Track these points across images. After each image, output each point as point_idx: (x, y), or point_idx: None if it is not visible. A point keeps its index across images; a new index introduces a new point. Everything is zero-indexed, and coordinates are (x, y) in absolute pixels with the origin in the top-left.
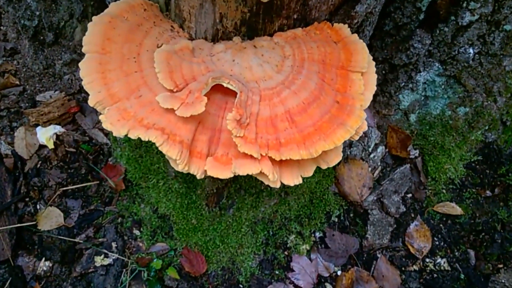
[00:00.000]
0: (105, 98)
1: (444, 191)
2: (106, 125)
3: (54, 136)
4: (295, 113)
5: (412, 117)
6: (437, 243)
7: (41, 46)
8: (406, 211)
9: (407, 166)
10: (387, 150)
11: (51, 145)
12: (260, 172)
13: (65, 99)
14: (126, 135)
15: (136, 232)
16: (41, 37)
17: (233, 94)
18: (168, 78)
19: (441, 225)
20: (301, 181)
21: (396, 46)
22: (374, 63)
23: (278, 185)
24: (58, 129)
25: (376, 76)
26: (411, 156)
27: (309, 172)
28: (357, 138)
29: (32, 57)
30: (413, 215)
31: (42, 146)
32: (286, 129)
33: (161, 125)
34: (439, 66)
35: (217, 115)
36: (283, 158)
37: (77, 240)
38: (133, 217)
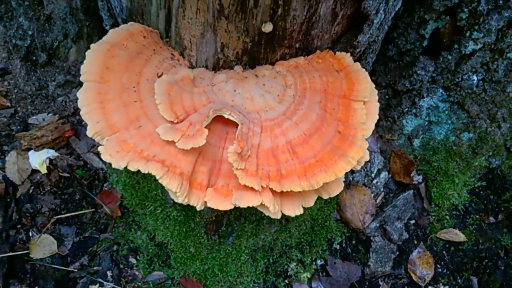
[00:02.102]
0: (104, 129)
1: (447, 217)
2: (105, 157)
3: (47, 161)
4: (296, 144)
5: (416, 142)
6: (440, 270)
7: (34, 66)
8: (409, 238)
9: (410, 192)
10: (390, 175)
11: (44, 170)
12: (261, 204)
13: (59, 123)
14: (125, 167)
15: (132, 260)
16: (34, 57)
17: (234, 124)
18: (169, 109)
19: (444, 252)
20: (302, 212)
21: (399, 71)
22: (376, 91)
23: (279, 216)
24: (51, 153)
25: (378, 105)
26: (414, 182)
27: (311, 202)
28: (359, 168)
29: (24, 78)
30: (416, 242)
31: (35, 171)
32: (287, 160)
33: (161, 157)
34: (443, 92)
35: (217, 146)
36: (284, 190)
37: (71, 268)
38: (129, 245)
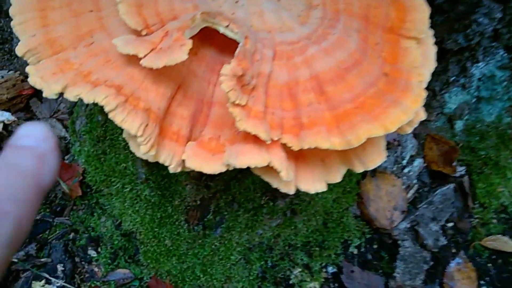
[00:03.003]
0: (42, 45)
1: (494, 221)
2: (34, 80)
3: (1, 125)
4: (326, 80)
5: (458, 125)
6: (484, 287)
7: None
8: (446, 244)
9: (450, 186)
10: (425, 164)
11: None
12: (268, 166)
13: (18, 79)
14: (60, 95)
15: (92, 252)
16: None
17: (233, 50)
18: (135, 12)
19: (489, 264)
20: (325, 188)
21: (449, 25)
22: (432, 31)
23: (292, 190)
24: (6, 116)
25: (435, 48)
26: (455, 175)
27: (337, 177)
28: (409, 130)
29: None
30: (454, 250)
31: None
32: (311, 103)
33: (118, 82)
34: (504, 55)
35: (206, 80)
36: (305, 147)
37: (13, 258)
38: (90, 233)
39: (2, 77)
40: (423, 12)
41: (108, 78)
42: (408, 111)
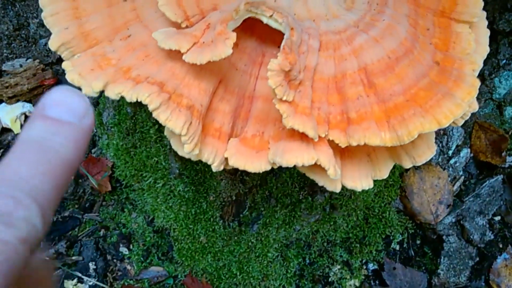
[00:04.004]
0: (76, 38)
1: None
2: (72, 77)
3: (22, 117)
4: (375, 72)
5: (508, 112)
6: None
7: None
8: (493, 239)
9: (498, 178)
10: (472, 155)
11: (17, 129)
12: (315, 164)
13: (39, 68)
14: (101, 94)
15: (124, 250)
16: None
17: (275, 42)
18: (174, 3)
19: None
20: (371, 185)
21: (502, 3)
22: (485, 13)
23: (338, 188)
24: (27, 107)
25: (488, 32)
26: (504, 165)
27: (384, 172)
28: (461, 123)
29: (0, 13)
30: (501, 246)
31: (6, 130)
32: (359, 96)
33: (159, 78)
34: None
35: (248, 74)
36: (353, 143)
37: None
38: (121, 230)
39: (21, 65)
40: None
41: (149, 74)
42: (461, 103)
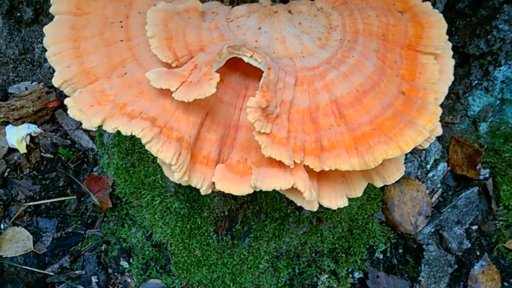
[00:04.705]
0: (77, 76)
1: None
2: (73, 113)
3: (28, 138)
4: (345, 104)
5: (483, 127)
6: None
7: (18, 25)
8: (470, 247)
9: (474, 189)
10: (449, 168)
11: (23, 149)
12: (292, 187)
13: (43, 92)
14: (100, 127)
15: (124, 263)
16: (18, 14)
17: (257, 76)
18: (165, 46)
19: None
20: (346, 203)
21: (471, 30)
22: (450, 44)
23: (315, 207)
24: (33, 129)
25: (453, 61)
26: (479, 178)
27: (358, 191)
28: (426, 145)
29: (6, 38)
30: (478, 253)
31: (12, 150)
32: (331, 126)
33: (152, 113)
34: None
35: (232, 105)
36: (325, 168)
37: (48, 271)
38: (121, 245)
39: (26, 88)
40: (441, 28)
41: (143, 110)
42: (422, 131)
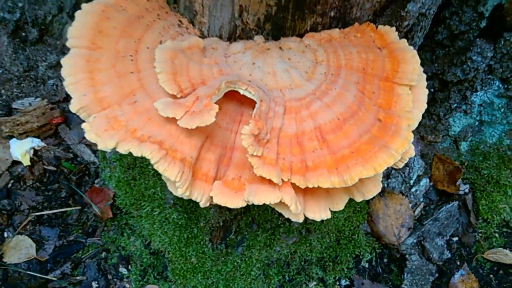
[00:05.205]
0: (92, 103)
1: (496, 235)
2: (90, 136)
3: (31, 151)
4: (327, 130)
5: (463, 146)
6: None
7: (23, 44)
8: (451, 257)
9: (454, 204)
10: (431, 183)
11: (26, 162)
12: (280, 201)
13: (47, 108)
14: (114, 149)
15: (123, 270)
16: (23, 34)
17: (251, 104)
18: (171, 80)
19: (491, 275)
20: (329, 215)
21: (449, 59)
22: (424, 76)
23: (301, 219)
24: (36, 142)
25: (426, 91)
26: (460, 192)
27: (340, 205)
28: (401, 165)
29: (11, 56)
30: (458, 263)
31: (16, 162)
32: (315, 149)
33: (159, 138)
34: (500, 85)
35: (229, 130)
36: (310, 186)
37: (50, 276)
38: (120, 252)
39: (30, 104)
40: (414, 63)
41: (151, 134)
42: (395, 154)
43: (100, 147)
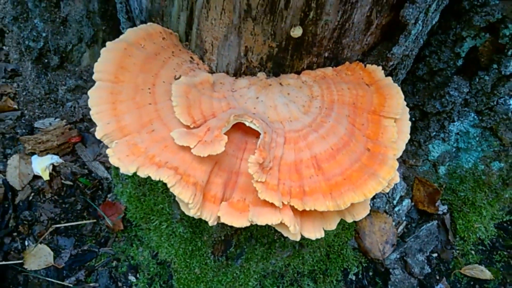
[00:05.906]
0: (114, 131)
1: (473, 252)
2: (113, 160)
3: (51, 167)
4: (322, 159)
5: (442, 170)
6: None
7: (45, 69)
8: (431, 272)
9: (434, 223)
10: (413, 203)
11: (46, 177)
12: (281, 222)
13: (66, 128)
14: (134, 173)
15: (132, 278)
16: (46, 60)
17: (254, 133)
18: (186, 113)
19: None
20: (323, 235)
21: (429, 92)
22: (407, 109)
23: (298, 238)
24: (55, 159)
25: (410, 123)
26: (439, 212)
27: (333, 225)
28: (388, 190)
29: (34, 80)
30: (438, 277)
31: (37, 177)
32: (311, 176)
33: (175, 164)
34: (475, 117)
35: (235, 156)
36: (307, 209)
37: (66, 283)
38: (130, 262)
39: (50, 124)
40: (399, 98)
41: (168, 160)
42: (382, 181)
43: (122, 171)
